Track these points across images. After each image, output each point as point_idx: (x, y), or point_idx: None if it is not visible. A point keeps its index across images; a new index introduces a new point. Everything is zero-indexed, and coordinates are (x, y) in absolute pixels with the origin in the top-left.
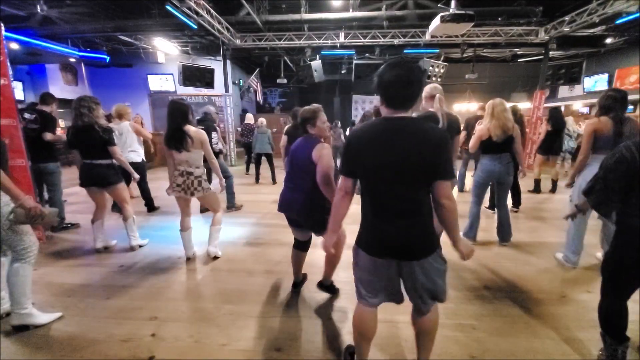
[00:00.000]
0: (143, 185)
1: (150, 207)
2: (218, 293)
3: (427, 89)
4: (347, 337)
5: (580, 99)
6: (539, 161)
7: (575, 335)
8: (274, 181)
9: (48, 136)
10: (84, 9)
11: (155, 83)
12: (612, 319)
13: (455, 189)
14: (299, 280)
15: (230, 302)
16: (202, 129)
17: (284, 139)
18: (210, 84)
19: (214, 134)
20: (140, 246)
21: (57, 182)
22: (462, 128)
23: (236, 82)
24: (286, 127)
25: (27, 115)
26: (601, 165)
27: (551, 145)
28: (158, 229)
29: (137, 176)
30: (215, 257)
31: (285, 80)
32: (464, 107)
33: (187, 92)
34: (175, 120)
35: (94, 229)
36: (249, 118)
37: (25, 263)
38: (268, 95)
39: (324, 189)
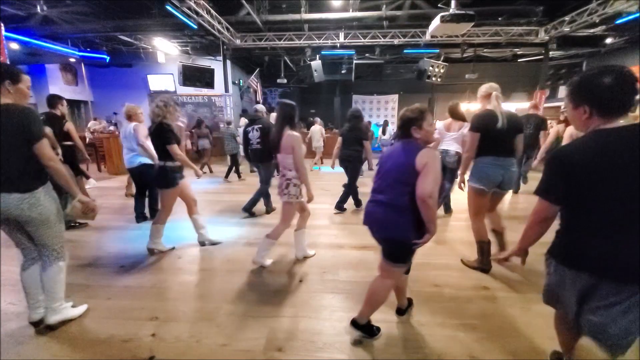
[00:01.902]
0: (153, 192)
1: (152, 215)
2: (218, 293)
3: (482, 88)
4: (347, 337)
5: None
6: None
7: None
8: None
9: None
10: (84, 9)
11: (155, 83)
12: None
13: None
14: (405, 306)
15: (231, 302)
16: (259, 127)
17: (339, 140)
18: (210, 84)
19: (255, 134)
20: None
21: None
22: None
23: (236, 82)
24: (341, 129)
25: None
26: None
27: None
28: None
29: (200, 173)
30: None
31: (285, 80)
32: (463, 107)
33: (187, 92)
34: (278, 122)
35: (195, 225)
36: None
37: (63, 261)
38: (268, 95)
39: (424, 206)
